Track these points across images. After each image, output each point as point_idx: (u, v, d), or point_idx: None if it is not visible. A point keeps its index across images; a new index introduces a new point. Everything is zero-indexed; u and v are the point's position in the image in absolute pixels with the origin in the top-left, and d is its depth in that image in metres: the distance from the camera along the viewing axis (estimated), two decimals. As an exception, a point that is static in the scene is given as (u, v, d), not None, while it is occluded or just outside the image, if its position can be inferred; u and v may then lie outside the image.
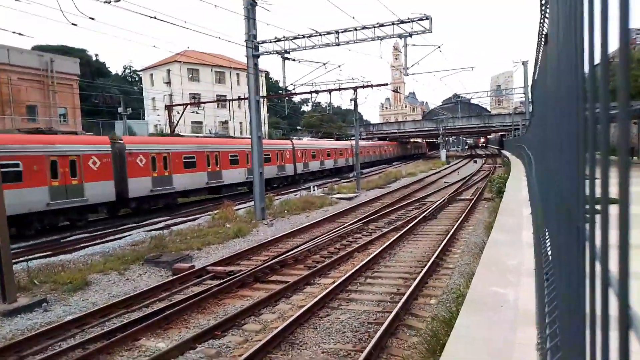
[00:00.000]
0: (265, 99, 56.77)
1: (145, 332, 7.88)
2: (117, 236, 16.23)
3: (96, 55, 71.73)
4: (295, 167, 37.02)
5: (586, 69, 0.99)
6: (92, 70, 63.25)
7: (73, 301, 9.80)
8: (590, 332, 0.75)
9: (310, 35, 19.55)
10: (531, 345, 2.80)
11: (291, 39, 19.79)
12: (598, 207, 0.76)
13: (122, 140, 22.10)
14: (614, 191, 0.62)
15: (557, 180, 1.66)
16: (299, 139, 44.96)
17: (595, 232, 0.71)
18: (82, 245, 14.99)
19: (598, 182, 0.76)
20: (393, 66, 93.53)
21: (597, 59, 0.82)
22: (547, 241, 2.35)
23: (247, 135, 39.29)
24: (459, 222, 15.54)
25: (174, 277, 11.09)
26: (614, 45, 0.76)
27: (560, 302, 1.30)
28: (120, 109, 39.29)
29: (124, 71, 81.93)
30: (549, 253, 2.08)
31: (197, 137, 30.07)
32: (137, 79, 76.33)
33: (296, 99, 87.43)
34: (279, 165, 34.81)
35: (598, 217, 0.71)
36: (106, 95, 54.32)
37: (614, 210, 0.53)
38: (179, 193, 24.79)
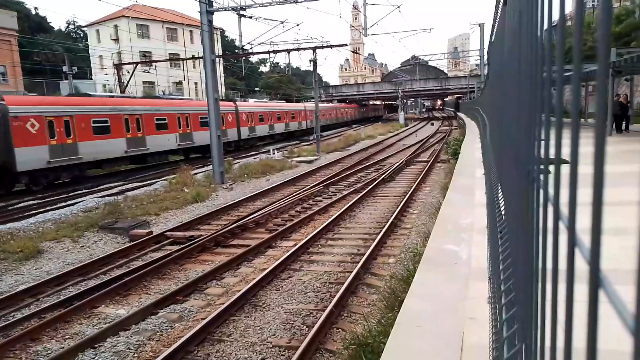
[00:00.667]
0: (221, 59, 54.86)
1: (104, 299, 7.77)
2: (68, 202, 15.63)
3: (36, 8, 66.29)
4: (239, 131, 34.23)
5: (544, 31, 1.01)
6: (31, 25, 58.78)
7: (25, 270, 9.47)
8: (551, 287, 0.80)
9: (268, -7, 18.88)
10: (483, 298, 2.97)
11: (247, -4, 19.05)
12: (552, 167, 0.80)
13: (3, 100, 17.52)
14: (565, 152, 0.65)
15: (513, 141, 1.72)
16: (245, 101, 42.08)
17: (558, 189, 0.74)
18: (31, 212, 14.35)
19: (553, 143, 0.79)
20: (352, 26, 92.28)
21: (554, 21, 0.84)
22: (500, 200, 2.46)
23: (201, 97, 38.10)
24: (416, 183, 15.96)
25: (132, 243, 10.88)
26: (570, 7, 0.78)
27: (515, 258, 1.38)
28: (64, 68, 36.95)
29: (68, 27, 76.67)
30: (503, 212, 2.18)
31: (113, 97, 26.42)
32: (82, 35, 71.71)
33: (254, 59, 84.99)
34: (223, 129, 32.36)
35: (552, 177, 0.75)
36: (49, 53, 50.84)
37: (584, 169, 0.55)
38: (88, 164, 21.19)
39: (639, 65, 15.09)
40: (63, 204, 15.56)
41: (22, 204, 16.23)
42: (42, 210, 14.65)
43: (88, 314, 7.32)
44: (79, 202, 15.32)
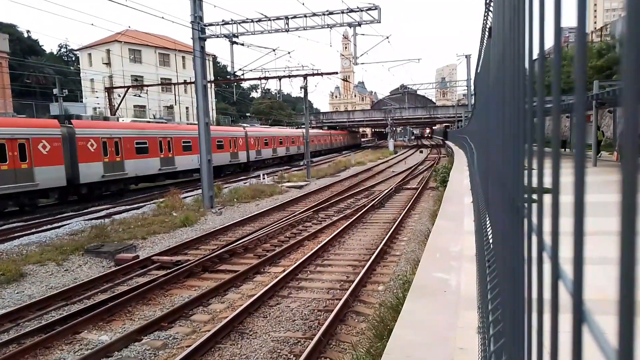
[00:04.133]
0: (213, 84, 55.34)
1: (87, 324, 7.56)
2: (54, 225, 15.37)
3: (28, 31, 66.90)
4: (248, 154, 36.59)
5: (527, 63, 1.04)
6: (23, 47, 59.02)
7: (6, 294, 9.21)
8: (536, 318, 0.80)
9: (260, 20, 19.24)
10: (473, 328, 2.95)
11: (239, 23, 19.38)
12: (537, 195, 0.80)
13: (71, 124, 20.88)
14: (550, 181, 0.66)
15: (498, 170, 1.74)
16: (252, 126, 44.34)
17: (541, 220, 0.75)
18: (15, 234, 14.07)
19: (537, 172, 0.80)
20: (342, 55, 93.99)
21: (536, 55, 0.87)
22: (488, 228, 2.47)
23: (194, 121, 38.09)
24: (405, 210, 16.00)
25: (117, 267, 10.68)
26: (550, 42, 0.81)
27: (502, 288, 1.37)
28: (55, 90, 36.91)
29: (60, 50, 77.12)
30: (490, 240, 2.19)
31: (149, 122, 28.90)
32: (73, 58, 72.09)
33: (245, 85, 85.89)
34: (232, 152, 33.94)
35: (545, 205, 0.75)
36: (39, 75, 50.88)
37: (566, 198, 0.56)
38: (131, 179, 24.26)
39: (620, 98, 15.50)
40: (49, 226, 15.30)
41: (7, 226, 15.91)
42: (27, 232, 14.37)
43: (70, 340, 7.10)
44: (65, 224, 15.07)
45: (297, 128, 56.74)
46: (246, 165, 36.62)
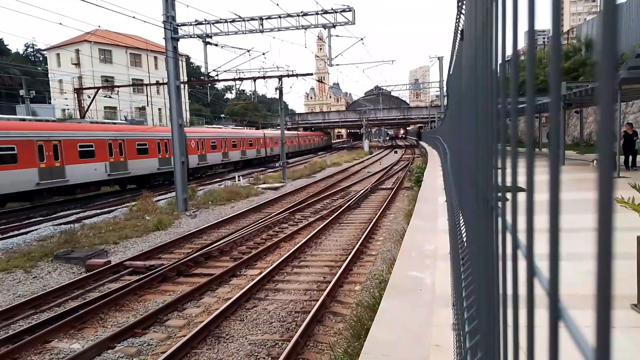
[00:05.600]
0: (186, 85, 54.58)
1: (57, 333, 7.33)
2: (21, 231, 14.85)
3: (-8, 31, 64.51)
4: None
5: (499, 65, 1.05)
6: (-13, 48, 56.91)
7: (-31, 304, 8.85)
8: (511, 314, 0.81)
9: (233, 20, 19.08)
10: (448, 325, 2.99)
11: (213, 23, 19.18)
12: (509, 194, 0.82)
13: None
14: (522, 180, 0.67)
15: (471, 169, 1.77)
16: (200, 127, 41.23)
17: (515, 217, 0.76)
18: (-22, 242, 13.54)
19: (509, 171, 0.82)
20: (317, 56, 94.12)
21: (508, 56, 0.89)
22: (462, 227, 2.51)
23: (167, 123, 37.30)
24: (381, 210, 16.12)
25: (88, 273, 10.40)
26: (522, 43, 0.82)
27: (477, 285, 1.39)
28: (22, 92, 35.72)
29: (26, 50, 74.78)
30: (464, 238, 2.22)
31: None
32: (41, 59, 70.01)
33: (219, 86, 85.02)
34: (161, 157, 28.22)
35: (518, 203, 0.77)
36: (5, 76, 49.16)
37: (542, 196, 0.57)
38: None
39: (587, 98, 16.05)
40: (16, 232, 14.78)
41: (-31, 233, 15.30)
42: (-9, 239, 13.84)
43: (39, 350, 6.87)
44: (33, 230, 14.60)
45: (272, 129, 56.48)
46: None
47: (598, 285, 0.38)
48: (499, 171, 0.98)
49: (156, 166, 27.82)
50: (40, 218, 17.68)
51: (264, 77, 27.02)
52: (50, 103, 50.34)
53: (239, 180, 26.99)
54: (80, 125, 23.68)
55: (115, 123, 28.31)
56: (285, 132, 55.96)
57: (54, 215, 18.18)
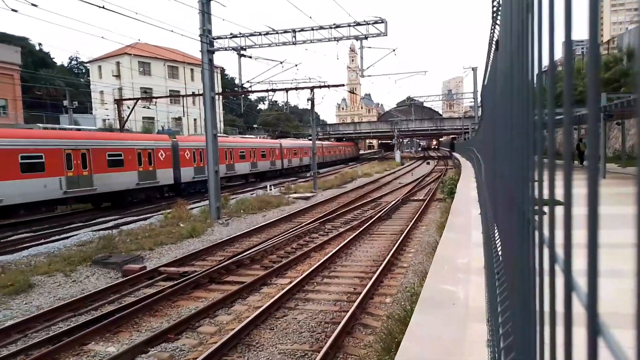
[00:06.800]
0: (221, 96, 55.82)
1: (94, 336, 7.55)
2: (62, 236, 15.45)
3: (40, 44, 68.10)
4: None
5: (535, 75, 1.04)
6: (35, 60, 60.04)
7: (15, 305, 9.25)
8: (548, 331, 0.79)
9: (267, 33, 19.43)
10: (482, 342, 2.91)
11: (247, 36, 19.60)
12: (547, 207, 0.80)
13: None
14: (560, 193, 0.66)
15: (507, 182, 1.73)
16: (197, 135, 35.87)
17: (553, 231, 0.75)
18: (24, 245, 14.16)
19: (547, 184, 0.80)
20: (349, 67, 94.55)
21: (545, 67, 0.87)
22: (497, 240, 2.45)
23: (202, 132, 37.91)
24: (412, 221, 15.92)
25: (124, 278, 10.70)
26: (559, 54, 0.81)
27: (512, 300, 1.36)
28: (65, 102, 37.40)
29: (70, 62, 78.41)
30: (499, 252, 2.17)
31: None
32: (84, 71, 73.20)
33: (252, 97, 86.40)
34: (142, 170, 23.94)
35: (556, 217, 0.75)
36: (50, 87, 51.65)
37: (581, 210, 0.56)
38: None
39: (629, 110, 15.43)
40: (57, 237, 15.39)
41: (16, 237, 16.03)
42: (35, 243, 14.46)
43: (77, 351, 7.09)
44: (74, 235, 15.16)
45: (300, 139, 55.66)
46: (177, 189, 27.19)
47: (638, 304, 0.37)
48: (536, 184, 0.97)
49: (134, 181, 23.41)
50: (81, 224, 18.35)
51: (296, 89, 27.33)
52: (91, 113, 52.51)
53: (271, 190, 27.25)
54: (25, 132, 19.50)
55: (80, 129, 23.96)
56: (305, 142, 53.01)
57: (94, 222, 18.83)
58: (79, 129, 24.16)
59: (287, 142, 46.41)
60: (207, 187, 18.61)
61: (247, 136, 49.13)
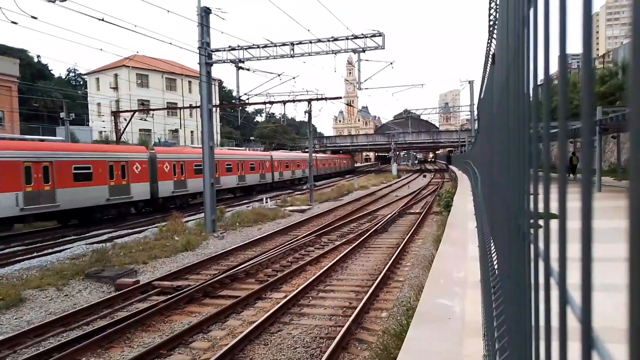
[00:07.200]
0: (218, 108, 55.97)
1: (85, 352, 7.43)
2: (55, 249, 15.30)
3: (38, 56, 68.23)
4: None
5: (530, 89, 1.04)
6: (33, 72, 60.18)
7: (5, 319, 9.11)
8: (543, 345, 0.78)
9: (265, 46, 19.59)
10: (478, 357, 2.88)
11: (245, 49, 19.73)
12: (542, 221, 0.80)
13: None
14: (556, 206, 0.65)
15: (503, 195, 1.73)
16: (180, 147, 33.88)
17: (548, 245, 0.74)
18: (17, 258, 14.01)
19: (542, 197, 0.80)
20: (347, 80, 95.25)
21: (541, 80, 0.87)
22: (493, 254, 2.44)
23: (198, 145, 37.53)
24: (409, 235, 15.89)
25: (117, 293, 10.58)
26: (554, 67, 0.81)
27: (508, 315, 1.35)
28: (62, 114, 37.41)
29: (68, 74, 78.62)
30: (495, 266, 2.16)
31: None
32: (81, 82, 73.40)
33: (250, 109, 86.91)
34: (114, 185, 22.20)
35: (552, 230, 0.74)
36: (47, 99, 51.70)
37: (576, 223, 0.55)
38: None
39: (624, 123, 15.57)
40: (50, 250, 15.24)
41: (8, 250, 15.86)
42: (28, 256, 14.31)
43: (66, 368, 6.97)
44: (66, 248, 15.02)
45: (284, 151, 53.94)
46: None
47: (631, 318, 0.36)
48: (532, 197, 0.96)
49: (105, 196, 21.65)
50: (74, 237, 18.20)
51: (293, 101, 27.48)
52: (88, 125, 52.48)
53: (266, 202, 27.18)
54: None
55: (43, 140, 21.65)
56: (300, 154, 52.17)
57: (87, 235, 18.68)
58: (42, 140, 21.36)
59: (278, 155, 44.77)
60: (187, 203, 18.28)
61: (234, 148, 47.82)
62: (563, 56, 0.61)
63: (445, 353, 3.34)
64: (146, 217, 24.00)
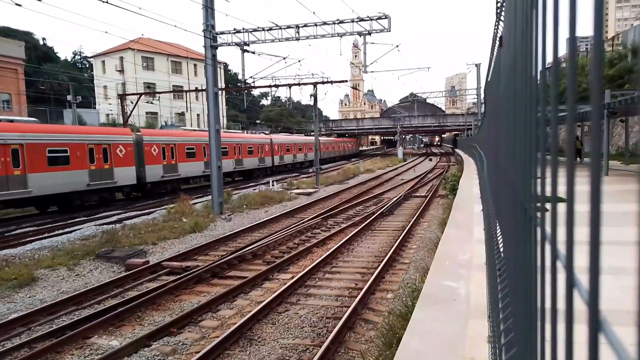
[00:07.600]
0: (224, 92, 55.78)
1: (97, 329, 7.61)
2: (66, 230, 15.52)
3: (44, 39, 68.13)
4: (144, 171, 23.75)
5: (539, 72, 1.04)
6: (38, 54, 60.12)
7: (19, 298, 9.32)
8: (549, 328, 0.80)
9: (270, 29, 19.40)
10: (483, 338, 2.92)
11: (251, 31, 19.56)
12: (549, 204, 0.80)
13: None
14: (563, 190, 0.66)
15: (510, 178, 1.73)
16: (172, 129, 32.39)
17: (555, 228, 0.75)
18: (28, 239, 14.23)
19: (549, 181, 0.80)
20: (352, 63, 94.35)
21: (549, 63, 0.87)
22: (498, 237, 2.45)
23: (203, 128, 37.28)
24: (414, 218, 15.92)
25: (127, 272, 10.76)
26: (563, 50, 0.81)
27: (514, 297, 1.36)
28: (69, 97, 37.46)
29: (74, 57, 78.37)
30: (501, 248, 2.17)
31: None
32: (87, 65, 73.24)
33: (255, 92, 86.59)
34: (95, 169, 20.97)
35: (558, 212, 0.75)
36: (54, 82, 51.74)
37: (583, 207, 0.56)
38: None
39: (632, 107, 15.36)
40: (60, 231, 15.45)
41: (20, 231, 16.11)
42: (39, 237, 14.52)
43: (80, 345, 7.15)
44: (77, 229, 15.22)
45: (284, 134, 52.89)
46: (142, 189, 24.15)
47: (639, 300, 0.37)
48: (539, 180, 0.97)
49: (85, 181, 20.35)
50: (84, 218, 18.42)
51: (299, 84, 27.28)
52: (95, 108, 52.58)
53: (273, 185, 27.27)
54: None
55: (12, 120, 20.08)
56: (299, 137, 51.56)
57: (97, 216, 18.90)
58: (11, 120, 19.65)
59: (278, 138, 43.30)
60: (179, 188, 18.09)
61: (231, 131, 46.07)
62: (572, 39, 0.61)
63: (449, 333, 3.39)
64: (155, 199, 24.17)
